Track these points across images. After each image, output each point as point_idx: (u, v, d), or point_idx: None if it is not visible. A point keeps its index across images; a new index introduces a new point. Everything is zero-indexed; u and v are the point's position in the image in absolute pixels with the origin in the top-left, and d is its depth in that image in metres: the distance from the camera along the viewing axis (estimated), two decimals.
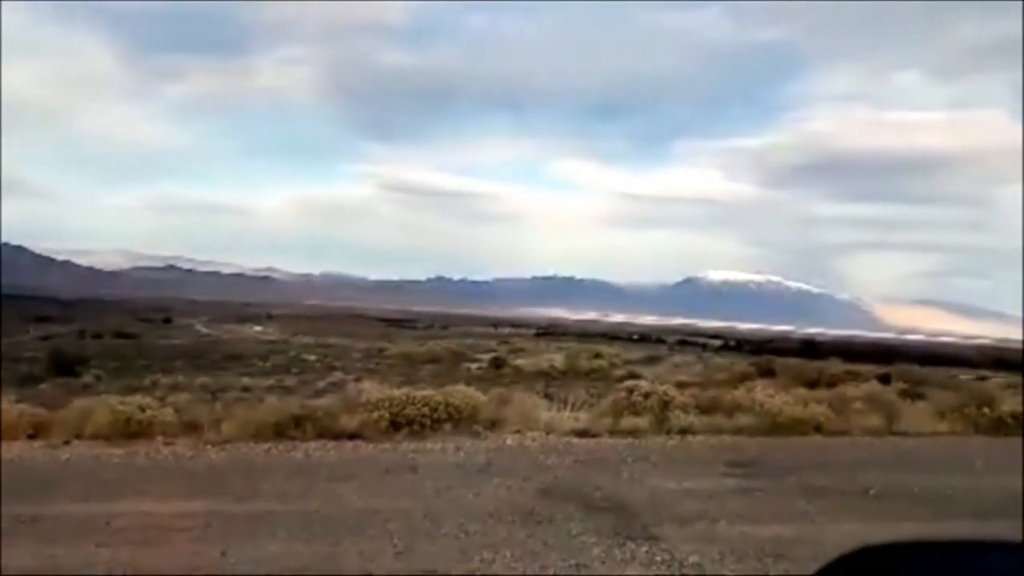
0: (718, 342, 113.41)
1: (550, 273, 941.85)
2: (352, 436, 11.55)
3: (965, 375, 53.92)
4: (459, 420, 12.30)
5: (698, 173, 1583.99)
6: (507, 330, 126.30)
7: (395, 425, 11.91)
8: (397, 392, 12.79)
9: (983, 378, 49.14)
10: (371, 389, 13.61)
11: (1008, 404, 16.10)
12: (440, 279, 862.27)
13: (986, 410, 15.66)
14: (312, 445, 11.11)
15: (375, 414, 11.98)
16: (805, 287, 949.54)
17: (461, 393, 13.05)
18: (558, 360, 48.34)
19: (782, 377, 32.00)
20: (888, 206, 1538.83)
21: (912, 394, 20.20)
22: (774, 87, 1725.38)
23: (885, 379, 28.61)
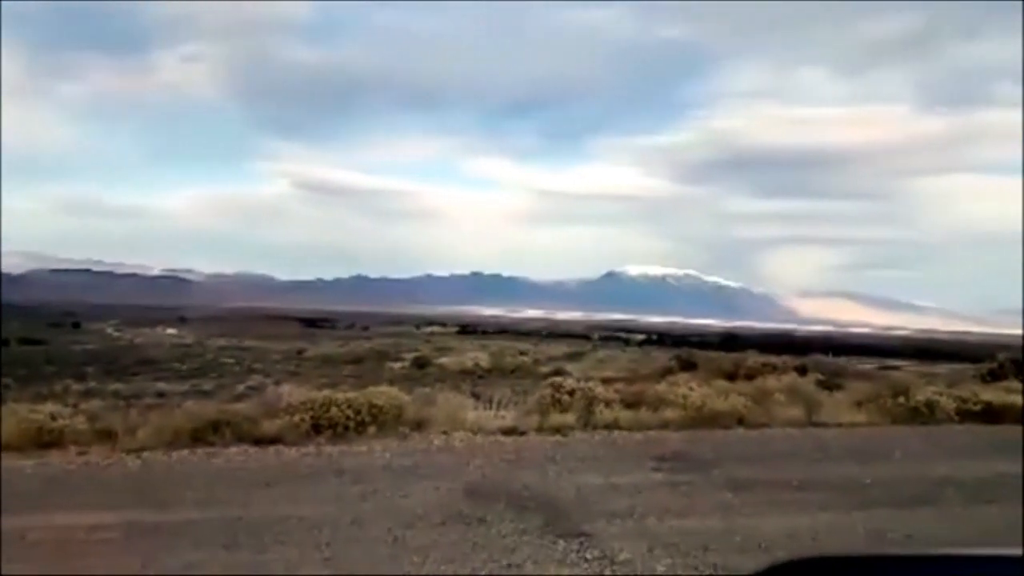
0: (640, 336, 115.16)
1: (471, 271, 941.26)
2: (273, 441, 11.31)
3: (879, 365, 55.82)
4: (383, 422, 12.15)
5: (614, 170, 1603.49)
6: (430, 329, 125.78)
7: (317, 428, 11.71)
8: (318, 394, 12.58)
9: (897, 368, 50.96)
10: (291, 392, 13.35)
11: (922, 393, 16.63)
12: (359, 278, 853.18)
13: (901, 400, 16.14)
14: (232, 451, 10.86)
15: (296, 417, 11.76)
16: (722, 281, 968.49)
17: (384, 394, 12.88)
18: (483, 358, 48.47)
19: (703, 370, 32.42)
20: (798, 201, 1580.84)
21: (830, 385, 20.73)
22: (683, 85, 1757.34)
23: (802, 370, 29.29)
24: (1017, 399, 17.53)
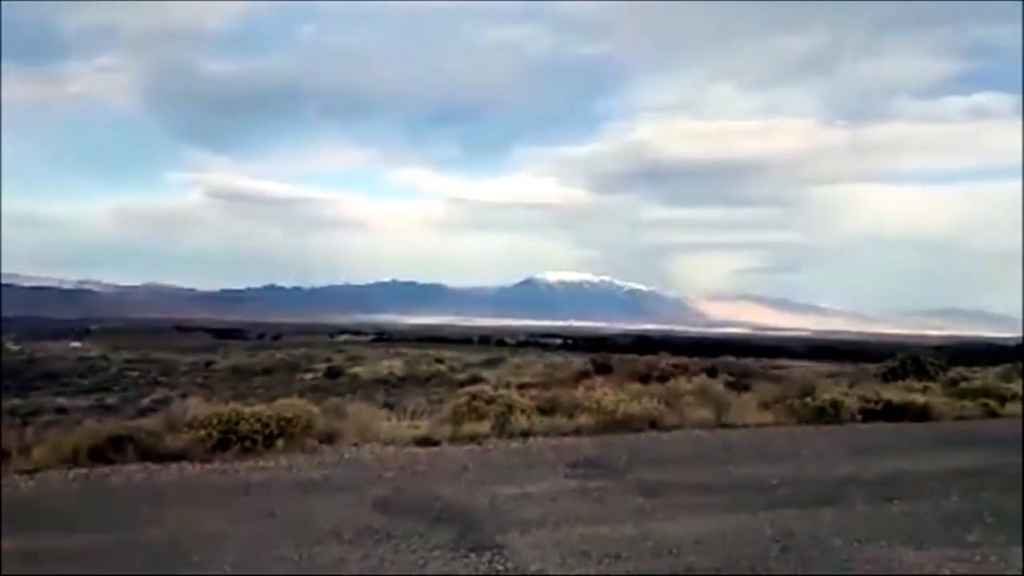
0: (558, 341, 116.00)
1: (389, 278, 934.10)
2: (178, 457, 10.93)
3: (785, 366, 57.27)
4: (293, 435, 11.86)
5: (533, 179, 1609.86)
6: (344, 337, 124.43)
7: (224, 443, 11.37)
8: (226, 408, 12.23)
9: (802, 368, 52.33)
10: (198, 406, 12.98)
11: (827, 393, 17.05)
12: (272, 287, 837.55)
13: (807, 400, 16.55)
14: (134, 468, 10.44)
15: (202, 432, 11.42)
16: (636, 286, 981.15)
17: (294, 406, 12.60)
18: (397, 366, 48.18)
19: (617, 374, 32.80)
20: (708, 209, 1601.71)
21: (738, 386, 21.15)
22: (599, 98, 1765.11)
23: (712, 372, 29.85)
24: (917, 397, 18.16)
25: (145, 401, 28.65)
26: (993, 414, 18.43)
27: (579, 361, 45.41)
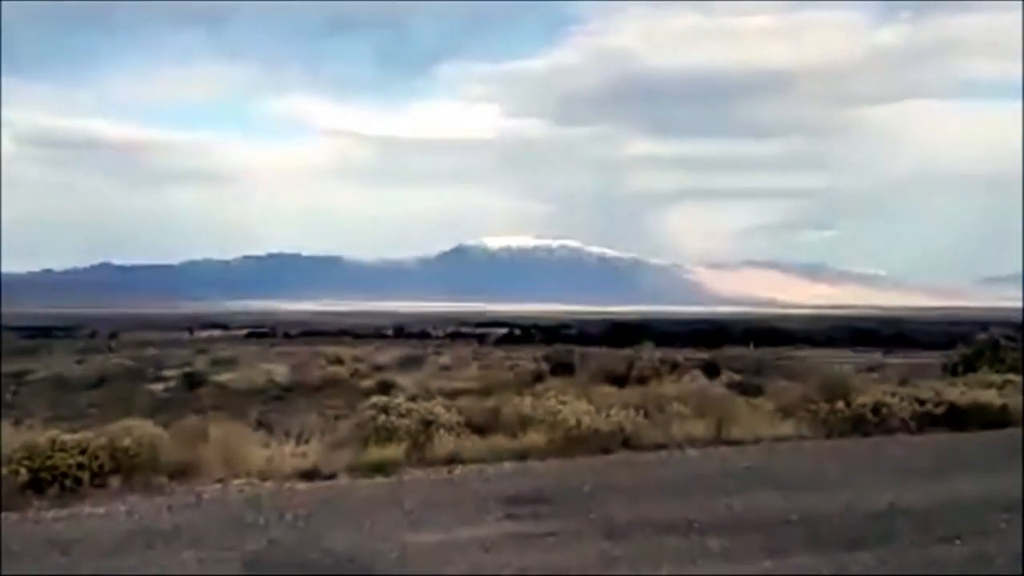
0: (501, 331, 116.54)
1: (268, 251, 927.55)
2: None
3: (812, 357, 58.10)
4: (132, 470, 11.88)
5: (467, 107, 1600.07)
6: (207, 333, 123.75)
7: (38, 484, 11.36)
8: (41, 436, 12.20)
9: (836, 360, 53.12)
10: (3, 433, 12.90)
11: (868, 394, 17.16)
12: (106, 266, 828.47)
13: (840, 404, 16.64)
14: None
15: (8, 469, 11.36)
16: (611, 253, 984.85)
17: (135, 430, 12.61)
18: (279, 371, 48.12)
19: (583, 374, 33.21)
20: (714, 141, 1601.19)
21: (746, 388, 21.48)
22: None
23: (712, 369, 30.36)
24: (992, 396, 17.97)
25: None
26: None
27: (529, 358, 45.74)
